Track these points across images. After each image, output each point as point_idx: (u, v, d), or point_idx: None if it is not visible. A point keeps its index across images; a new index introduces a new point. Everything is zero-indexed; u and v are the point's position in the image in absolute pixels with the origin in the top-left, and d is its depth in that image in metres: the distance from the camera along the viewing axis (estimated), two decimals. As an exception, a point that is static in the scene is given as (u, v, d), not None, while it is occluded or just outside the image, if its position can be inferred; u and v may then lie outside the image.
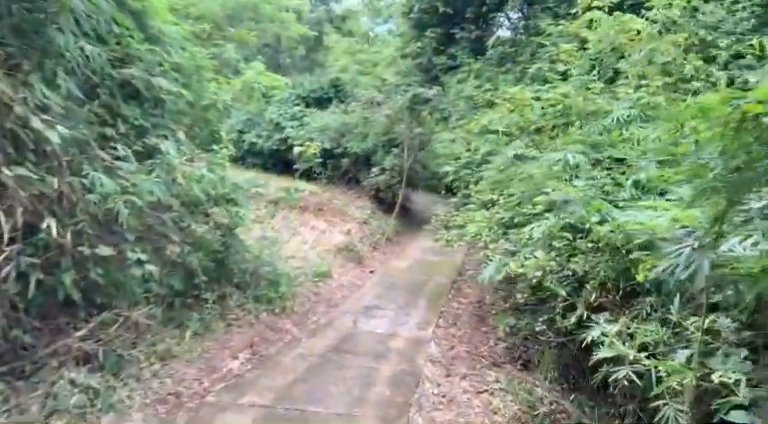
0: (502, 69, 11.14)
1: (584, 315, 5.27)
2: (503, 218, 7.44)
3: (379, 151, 18.94)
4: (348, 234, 15.08)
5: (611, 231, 5.05)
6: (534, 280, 5.99)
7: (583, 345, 5.99)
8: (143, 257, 6.13)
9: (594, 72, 7.35)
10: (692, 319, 4.34)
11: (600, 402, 5.87)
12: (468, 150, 10.18)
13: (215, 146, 8.64)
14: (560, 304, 5.45)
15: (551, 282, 5.52)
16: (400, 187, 18.98)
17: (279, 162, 22.11)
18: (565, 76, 7.53)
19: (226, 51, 10.98)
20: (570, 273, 5.44)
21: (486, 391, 7.14)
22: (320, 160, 19.09)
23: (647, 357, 4.48)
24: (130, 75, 6.25)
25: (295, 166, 21.31)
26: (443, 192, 12.90)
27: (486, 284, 12.80)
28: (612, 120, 6.31)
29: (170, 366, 6.83)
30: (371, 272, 13.43)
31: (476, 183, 9.50)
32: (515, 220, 7.15)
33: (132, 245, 6.15)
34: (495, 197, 8.08)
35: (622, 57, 7.66)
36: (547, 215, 5.96)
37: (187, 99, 7.34)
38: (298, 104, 21.46)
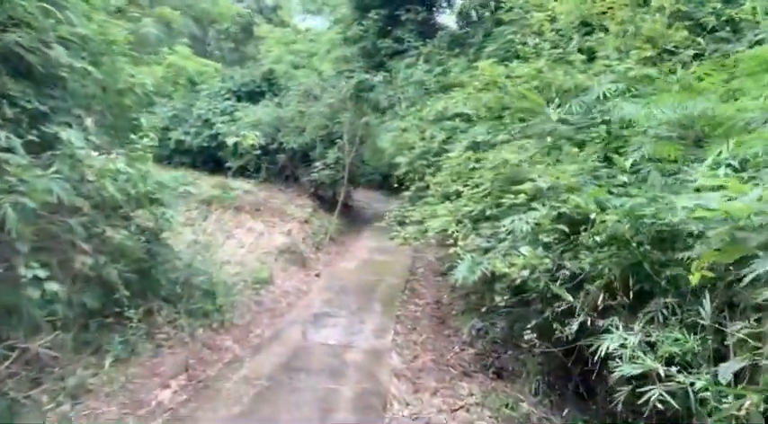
0: (454, 52, 10.32)
1: (588, 321, 4.45)
2: (472, 211, 6.55)
3: (317, 146, 17.80)
4: (289, 235, 13.91)
5: (619, 221, 4.24)
6: (519, 281, 5.12)
7: (574, 354, 5.21)
8: (41, 273, 4.86)
9: (573, 45, 6.59)
10: (738, 324, 3.56)
11: (600, 420, 5.07)
12: (423, 139, 9.28)
13: (134, 137, 7.33)
14: (557, 309, 4.61)
15: (544, 283, 4.68)
16: (342, 183, 17.93)
17: (209, 160, 20.55)
18: (537, 52, 6.72)
19: (144, 26, 9.57)
20: (568, 272, 4.61)
21: (462, 407, 6.24)
22: (258, 152, 17.77)
23: (680, 372, 3.68)
24: (14, 41, 4.91)
25: (227, 164, 19.88)
26: (396, 186, 11.95)
27: (443, 283, 12.04)
28: (598, 96, 5.53)
29: (84, 405, 5.56)
30: (317, 275, 12.33)
31: (433, 174, 8.61)
32: (487, 213, 6.28)
33: (27, 259, 4.86)
34: (459, 187, 7.19)
35: (593, 31, 6.95)
36: (534, 205, 5.11)
37: (96, 78, 6.04)
38: (228, 98, 19.98)
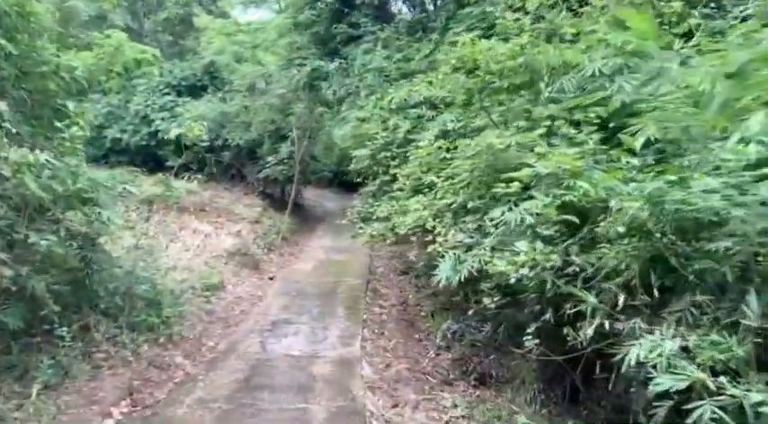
0: (414, 37, 9.68)
1: (605, 324, 3.86)
2: (451, 204, 5.90)
3: (265, 142, 16.85)
4: (238, 236, 12.96)
5: (640, 208, 3.66)
6: (513, 279, 4.50)
7: (582, 361, 4.64)
8: (-58, 291, 3.91)
9: (559, 18, 6.03)
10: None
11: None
12: (386, 129, 8.59)
13: (60, 126, 6.32)
14: (567, 311, 4.01)
15: (551, 282, 4.07)
16: (292, 181, 17.06)
17: (149, 159, 19.22)
18: (520, 27, 6.12)
19: (70, -1, 8.47)
20: (578, 269, 4.02)
21: (448, 422, 5.60)
22: (202, 147, 16.61)
23: (731, 383, 3.13)
24: None
25: (168, 163, 18.65)
26: (351, 182, 11.26)
27: (405, 282, 11.40)
28: (593, 73, 4.97)
29: (5, 446, 4.61)
30: (271, 278, 11.46)
31: (399, 166, 7.92)
32: (469, 205, 5.64)
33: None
34: (432, 179, 6.53)
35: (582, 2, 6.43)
36: (532, 193, 4.49)
37: (11, 56, 5.05)
38: (168, 93, 18.73)
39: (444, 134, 7.35)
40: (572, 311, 4.02)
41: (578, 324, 3.99)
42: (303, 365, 6.83)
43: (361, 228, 8.70)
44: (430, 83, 8.41)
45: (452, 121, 7.38)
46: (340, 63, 11.00)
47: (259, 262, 12.25)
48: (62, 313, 6.28)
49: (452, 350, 7.27)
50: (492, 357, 6.58)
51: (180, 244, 11.89)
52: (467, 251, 5.46)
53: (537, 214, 4.29)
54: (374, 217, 8.09)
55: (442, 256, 5.65)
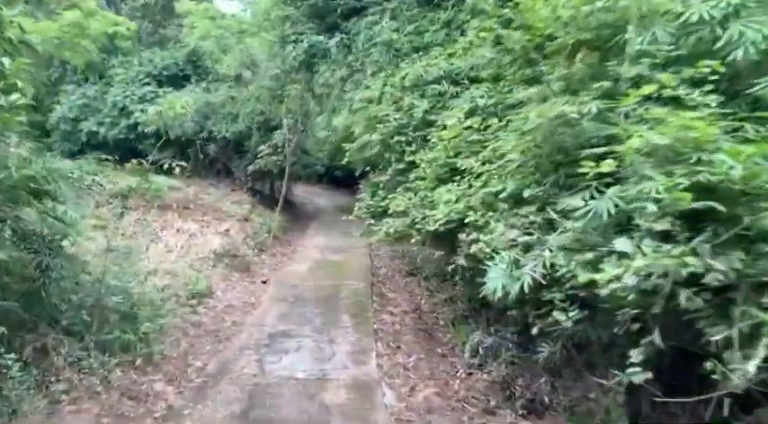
0: (427, 7, 8.39)
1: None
2: (498, 193, 4.67)
3: (254, 134, 15.49)
4: (227, 236, 11.61)
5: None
6: (605, 291, 3.28)
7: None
8: None
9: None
10: None
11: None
12: (399, 110, 7.31)
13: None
14: (710, 337, 2.81)
15: (687, 295, 2.87)
16: (282, 176, 15.74)
17: (129, 154, 17.56)
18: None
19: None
20: (722, 276, 2.83)
21: (504, 469, 4.36)
22: (190, 136, 15.30)
23: None
24: None
25: (149, 157, 17.19)
26: (361, 171, 10.00)
27: (414, 285, 10.17)
28: (699, 18, 3.76)
29: None
30: (265, 282, 10.14)
31: (417, 151, 6.68)
32: (525, 194, 4.41)
33: None
34: (469, 163, 5.28)
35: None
36: (621, 176, 3.27)
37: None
38: (147, 83, 17.24)
39: (474, 111, 6.10)
40: (719, 335, 2.79)
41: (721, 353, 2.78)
42: (312, 391, 5.56)
43: (372, 225, 7.43)
44: (450, 55, 7.17)
45: (483, 97, 6.15)
46: (341, 38, 9.70)
47: (250, 264, 10.92)
48: (11, 334, 4.96)
49: (487, 369, 6.03)
50: (543, 379, 5.36)
51: (162, 245, 10.52)
52: (525, 252, 4.23)
53: (655, 200, 3.05)
54: (389, 212, 6.82)
55: (491, 257, 4.42)
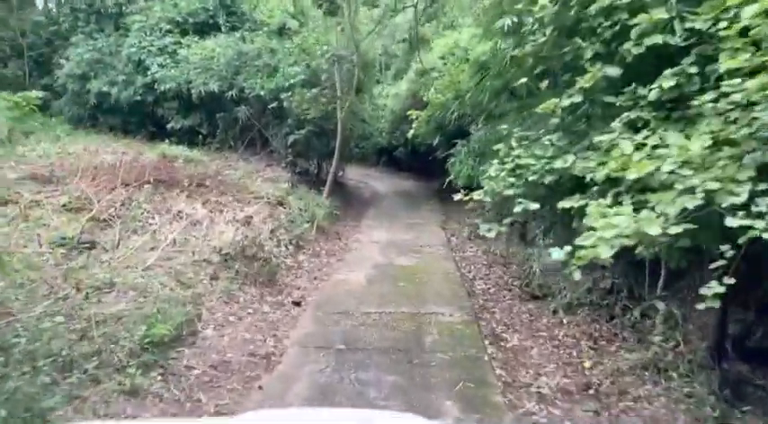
0: None
1: None
2: None
3: (296, 93, 11.35)
4: (247, 226, 7.49)
5: None
6: None
7: None
8: None
9: None
10: None
11: None
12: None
13: None
14: None
15: None
16: (331, 155, 11.61)
17: (146, 120, 13.99)
18: None
19: None
20: None
21: None
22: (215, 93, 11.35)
23: None
24: None
25: (170, 124, 13.34)
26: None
27: (544, 310, 5.75)
28: None
29: None
30: (298, 304, 5.96)
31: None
32: None
33: None
34: None
35: None
36: None
37: None
38: (170, 32, 13.37)
39: None
40: None
41: None
42: None
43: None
44: None
45: None
46: None
47: (277, 270, 6.78)
48: None
49: None
50: None
51: (145, 239, 6.53)
52: None
53: None
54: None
55: None
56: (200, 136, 13.11)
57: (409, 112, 13.59)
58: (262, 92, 11.46)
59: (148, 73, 12.95)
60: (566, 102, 3.62)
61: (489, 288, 6.99)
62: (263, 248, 6.93)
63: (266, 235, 7.54)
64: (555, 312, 5.69)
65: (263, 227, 7.77)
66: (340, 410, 3.08)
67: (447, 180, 8.80)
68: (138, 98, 13.27)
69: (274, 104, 11.27)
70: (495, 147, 4.45)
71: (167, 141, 12.40)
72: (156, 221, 7.21)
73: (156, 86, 12.84)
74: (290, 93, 10.92)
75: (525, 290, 6.60)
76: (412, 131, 13.41)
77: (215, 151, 12.68)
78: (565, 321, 5.46)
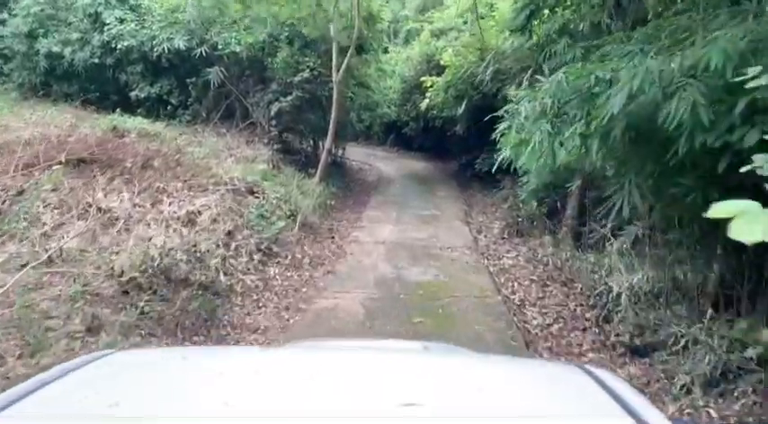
0: None
1: None
2: None
3: (281, 51, 8.79)
4: (191, 225, 5.01)
5: None
6: None
7: None
8: None
9: None
10: None
11: None
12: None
13: None
14: None
15: None
16: (325, 132, 9.04)
17: (108, 88, 11.47)
18: None
19: None
20: None
21: None
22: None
23: None
24: None
25: (134, 93, 10.80)
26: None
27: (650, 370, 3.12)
28: None
29: None
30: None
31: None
32: None
33: None
34: None
35: None
36: None
37: None
38: (132, -22, 10.84)
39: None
40: None
41: None
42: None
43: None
44: None
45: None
46: None
47: (223, 301, 4.29)
48: None
49: None
50: None
51: (26, 246, 4.08)
52: None
53: None
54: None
55: None
56: (170, 107, 10.63)
57: (423, 79, 11.02)
58: (238, 49, 8.90)
59: (105, 29, 10.39)
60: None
61: (550, 325, 4.49)
62: (206, 262, 4.44)
63: (219, 240, 5.05)
64: (687, 390, 3.19)
65: (218, 227, 5.27)
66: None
67: (493, 156, 6.31)
68: (96, 60, 10.73)
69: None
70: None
71: (130, 113, 9.89)
72: (50, 219, 4.75)
73: (115, 45, 10.30)
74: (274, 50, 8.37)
75: (604, 327, 4.11)
76: (426, 101, 10.92)
77: (187, 124, 10.20)
78: (713, 411, 2.96)
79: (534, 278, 5.64)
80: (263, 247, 5.56)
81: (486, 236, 7.66)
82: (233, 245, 5.18)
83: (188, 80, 10.12)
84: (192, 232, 4.95)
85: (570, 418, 0.97)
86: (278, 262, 5.54)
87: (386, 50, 14.76)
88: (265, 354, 1.62)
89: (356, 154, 14.26)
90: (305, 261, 5.79)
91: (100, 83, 11.29)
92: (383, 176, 12.74)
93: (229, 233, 5.28)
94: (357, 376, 1.14)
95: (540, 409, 1.02)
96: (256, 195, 6.58)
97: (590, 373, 1.17)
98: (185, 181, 6.30)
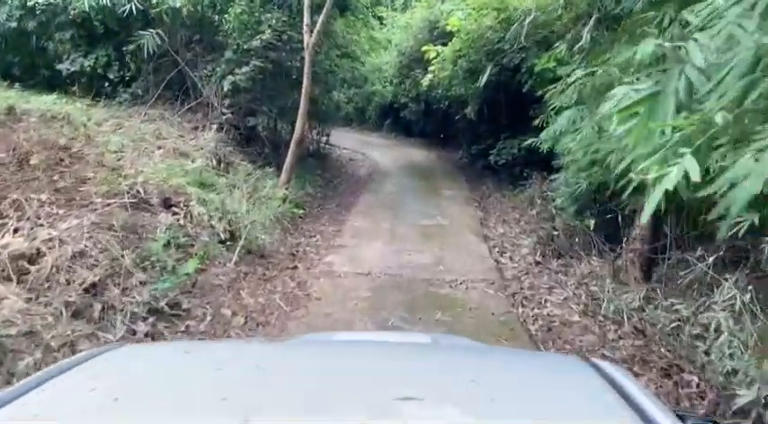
0: None
1: None
2: None
3: (236, 2, 6.46)
4: (18, 276, 2.78)
5: None
6: None
7: None
8: None
9: None
10: None
11: None
12: None
13: None
14: None
15: None
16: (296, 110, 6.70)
17: (36, 61, 9.17)
18: None
19: None
20: None
21: None
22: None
23: None
24: None
25: (63, 65, 8.49)
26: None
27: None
28: None
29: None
30: None
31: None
32: None
33: None
34: None
35: None
36: None
37: None
38: None
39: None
40: None
41: None
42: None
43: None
44: None
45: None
46: None
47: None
48: None
49: None
50: None
51: None
52: None
53: None
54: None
55: None
56: (108, 85, 8.34)
57: (425, 49, 8.83)
58: (178, 4, 6.55)
59: (24, -14, 8.04)
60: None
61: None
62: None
63: (63, 303, 2.79)
64: None
65: (72, 278, 3.01)
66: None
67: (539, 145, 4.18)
68: (14, 24, 8.40)
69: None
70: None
71: (64, 92, 7.68)
72: None
73: (34, 3, 7.97)
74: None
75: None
76: (429, 76, 8.67)
77: (129, 105, 7.91)
78: None
79: (606, 351, 3.39)
80: (161, 304, 3.30)
81: (512, 259, 5.42)
82: (96, 310, 2.92)
83: (124, 49, 7.80)
84: (17, 289, 2.70)
85: (574, 413, 0.94)
86: (184, 330, 3.28)
87: (380, 19, 12.40)
88: (267, 348, 1.61)
89: (347, 141, 11.96)
90: (234, 323, 3.53)
91: (24, 55, 8.97)
92: (377, 169, 10.42)
93: (93, 286, 3.02)
94: (358, 370, 1.13)
95: (544, 400, 0.99)
96: (175, 209, 4.30)
97: (595, 366, 1.15)
98: (61, 189, 4.04)
